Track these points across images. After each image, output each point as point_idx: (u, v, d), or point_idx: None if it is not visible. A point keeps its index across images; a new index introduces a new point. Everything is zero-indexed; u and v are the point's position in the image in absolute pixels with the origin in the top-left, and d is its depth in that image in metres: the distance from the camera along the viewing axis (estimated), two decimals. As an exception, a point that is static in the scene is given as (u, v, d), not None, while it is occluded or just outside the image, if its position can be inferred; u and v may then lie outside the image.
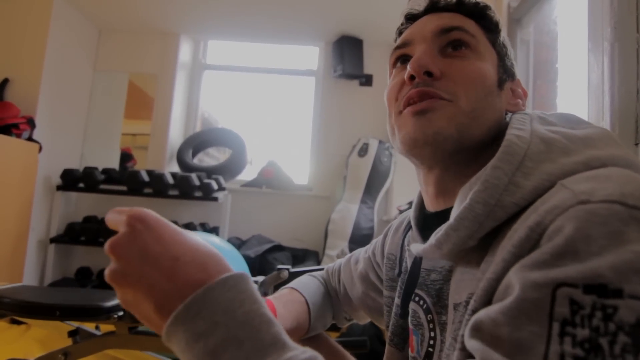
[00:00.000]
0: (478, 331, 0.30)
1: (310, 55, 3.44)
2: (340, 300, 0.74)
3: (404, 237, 0.58)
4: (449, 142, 0.44)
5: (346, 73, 3.10)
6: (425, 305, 0.49)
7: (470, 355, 0.30)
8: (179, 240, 0.34)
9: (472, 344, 0.30)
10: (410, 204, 2.09)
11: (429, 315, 0.48)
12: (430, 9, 0.51)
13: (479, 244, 0.39)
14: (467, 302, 0.38)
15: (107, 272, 0.34)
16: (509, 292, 0.30)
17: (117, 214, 0.36)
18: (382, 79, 3.23)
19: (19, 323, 2.02)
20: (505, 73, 0.50)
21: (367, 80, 3.22)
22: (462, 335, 0.34)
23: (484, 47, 0.48)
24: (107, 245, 0.34)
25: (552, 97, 1.40)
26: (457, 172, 0.46)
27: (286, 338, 0.32)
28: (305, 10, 2.84)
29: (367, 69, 3.19)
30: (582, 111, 0.81)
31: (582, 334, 0.25)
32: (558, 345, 0.26)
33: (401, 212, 2.22)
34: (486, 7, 0.51)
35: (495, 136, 0.46)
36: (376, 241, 0.69)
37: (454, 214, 0.40)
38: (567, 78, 1.30)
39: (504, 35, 0.52)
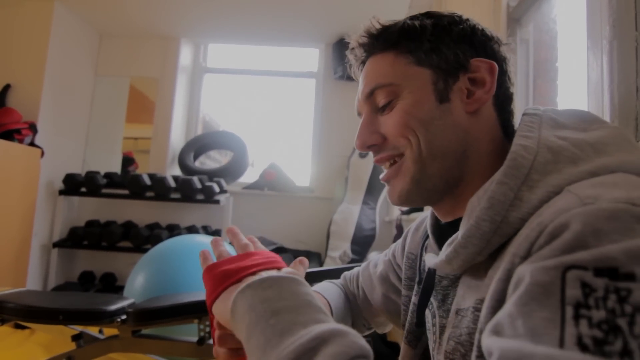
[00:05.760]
0: (497, 331, 0.29)
1: (311, 57, 3.45)
2: (359, 305, 0.73)
3: (424, 242, 0.58)
4: (415, 195, 0.47)
5: (346, 75, 3.11)
6: (432, 309, 0.50)
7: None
8: None
9: (490, 341, 0.29)
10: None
11: (434, 319, 0.49)
12: (360, 67, 0.54)
13: (488, 258, 0.40)
14: (475, 308, 0.39)
15: None
16: (519, 284, 0.29)
17: None
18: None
19: (23, 328, 2.02)
20: (447, 77, 0.46)
21: (367, 82, 3.22)
22: (472, 342, 0.35)
23: (408, 79, 0.47)
24: None
25: (553, 96, 1.40)
26: (453, 198, 0.47)
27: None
28: (305, 13, 2.85)
29: (367, 70, 3.19)
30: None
31: (598, 315, 0.25)
32: (574, 328, 0.25)
33: (403, 213, 2.21)
34: (394, 32, 0.49)
35: (469, 142, 0.45)
36: (396, 244, 0.69)
37: (461, 230, 0.40)
38: (567, 76, 1.29)
39: (429, 23, 0.48)
